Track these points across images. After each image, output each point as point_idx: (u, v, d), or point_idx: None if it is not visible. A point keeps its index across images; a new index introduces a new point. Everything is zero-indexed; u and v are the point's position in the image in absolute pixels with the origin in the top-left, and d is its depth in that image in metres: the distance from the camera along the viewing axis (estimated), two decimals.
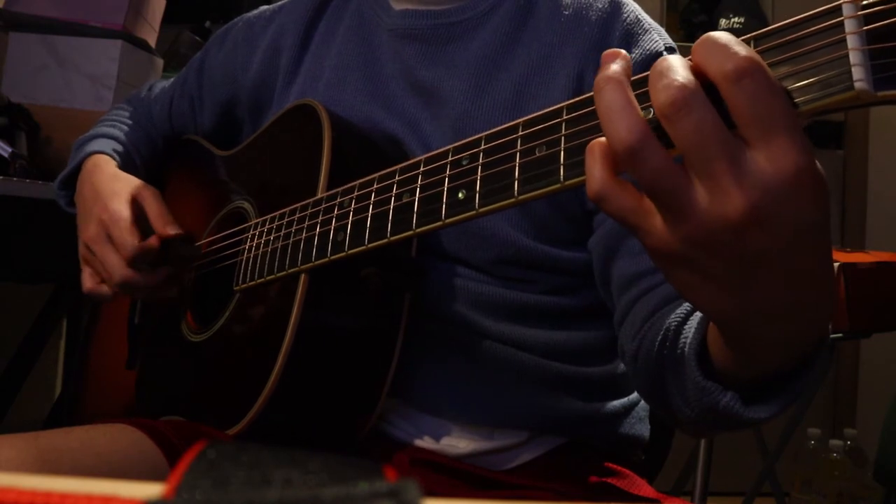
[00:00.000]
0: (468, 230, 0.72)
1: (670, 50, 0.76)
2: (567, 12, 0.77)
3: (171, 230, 0.82)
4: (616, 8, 0.76)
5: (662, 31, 0.78)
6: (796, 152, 0.36)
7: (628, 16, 0.76)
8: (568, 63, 0.74)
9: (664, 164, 0.37)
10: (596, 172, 0.40)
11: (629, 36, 0.75)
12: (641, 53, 0.73)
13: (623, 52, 0.41)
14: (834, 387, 2.65)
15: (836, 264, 1.60)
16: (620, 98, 0.39)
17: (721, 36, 0.37)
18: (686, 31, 2.82)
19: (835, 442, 2.04)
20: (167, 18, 1.65)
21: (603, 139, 0.40)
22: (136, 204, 0.83)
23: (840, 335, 1.59)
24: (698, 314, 0.55)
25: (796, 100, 0.37)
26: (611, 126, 0.38)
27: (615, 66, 0.40)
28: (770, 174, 0.36)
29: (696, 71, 0.38)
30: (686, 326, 0.55)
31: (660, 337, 0.59)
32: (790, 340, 0.45)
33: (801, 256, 0.39)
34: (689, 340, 0.53)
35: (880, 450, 1.56)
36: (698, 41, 0.38)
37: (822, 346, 0.47)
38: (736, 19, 2.70)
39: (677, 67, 0.37)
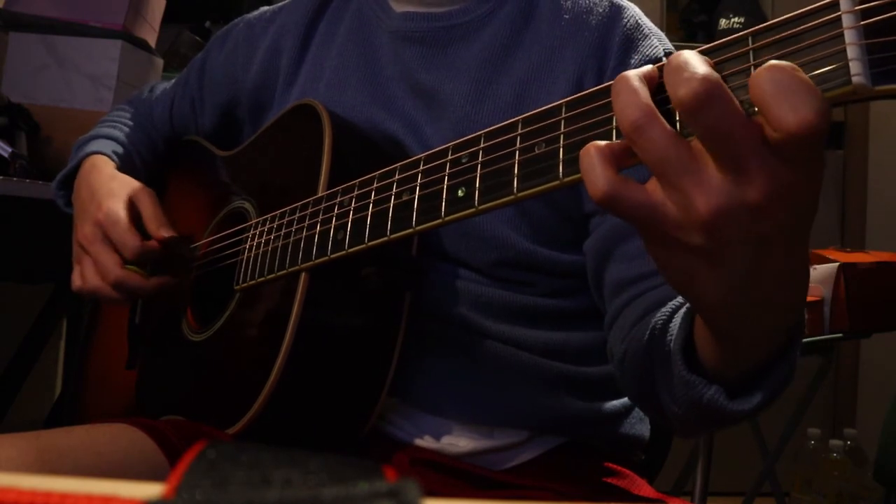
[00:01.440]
0: (468, 232, 0.73)
1: (669, 55, 0.76)
2: (567, 16, 0.77)
3: (165, 232, 0.81)
4: (616, 12, 0.76)
5: (662, 35, 0.78)
6: (822, 161, 0.38)
7: (628, 21, 0.76)
8: (568, 67, 0.74)
9: (673, 140, 0.38)
10: (599, 172, 0.40)
11: (629, 41, 0.75)
12: (640, 59, 0.74)
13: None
14: (834, 387, 2.65)
15: (836, 264, 1.60)
16: (631, 82, 0.39)
17: (794, 74, 0.36)
18: (686, 31, 2.82)
19: (835, 442, 2.04)
20: (167, 18, 1.65)
21: (597, 143, 0.40)
22: (132, 205, 0.83)
23: (840, 335, 1.59)
24: (683, 311, 0.55)
25: None
26: (620, 105, 0.39)
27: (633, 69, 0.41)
28: (794, 173, 0.37)
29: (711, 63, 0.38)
30: (671, 324, 0.56)
31: (646, 336, 0.60)
32: (776, 326, 0.47)
33: (796, 240, 0.41)
34: (674, 336, 0.53)
35: (880, 450, 1.56)
36: (763, 70, 0.36)
37: (798, 336, 0.49)
38: (736, 19, 2.70)
39: (696, 61, 0.38)
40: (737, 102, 0.37)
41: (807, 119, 0.35)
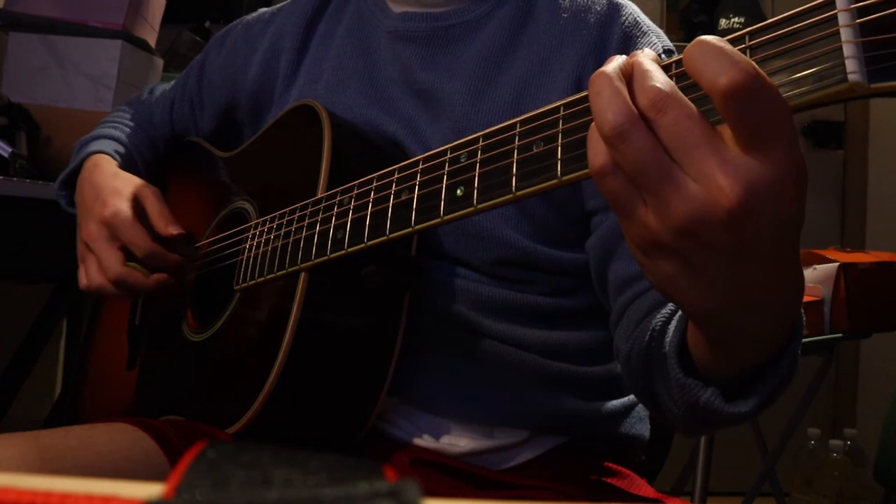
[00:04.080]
0: (467, 231, 0.73)
1: (668, 53, 0.76)
2: (566, 15, 0.77)
3: (174, 230, 0.81)
4: (614, 10, 0.76)
5: (661, 33, 0.78)
6: (791, 150, 0.37)
7: (627, 18, 0.76)
8: (567, 66, 0.74)
9: (649, 148, 0.38)
10: (601, 146, 0.40)
11: (627, 39, 0.75)
12: None
13: (623, 57, 0.42)
14: (834, 387, 2.65)
15: (836, 264, 1.60)
16: (609, 86, 0.39)
17: (716, 46, 0.37)
18: (686, 31, 2.82)
19: (835, 442, 2.04)
20: (167, 18, 1.65)
21: None
22: (136, 203, 0.83)
23: (840, 335, 1.59)
24: (680, 313, 0.55)
25: (790, 93, 0.38)
26: (598, 110, 0.39)
27: (610, 64, 0.41)
28: (762, 168, 0.37)
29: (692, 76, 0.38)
30: (669, 326, 0.56)
31: (647, 337, 0.60)
32: (767, 332, 0.46)
33: (780, 247, 0.40)
34: (670, 339, 0.53)
35: (880, 450, 1.56)
36: (692, 48, 0.38)
37: (795, 337, 0.48)
38: (736, 19, 2.70)
39: (655, 70, 0.39)
40: (694, 111, 0.38)
41: (733, 77, 0.35)
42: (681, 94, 0.38)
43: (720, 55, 0.36)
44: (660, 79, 0.38)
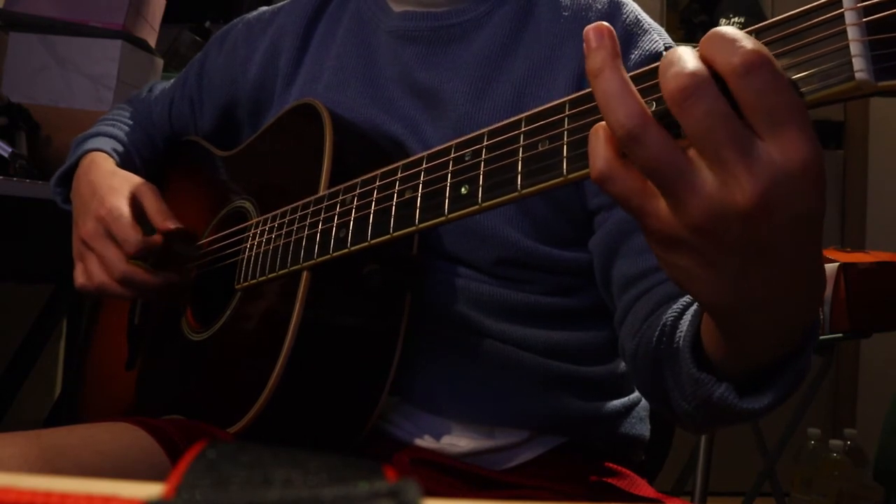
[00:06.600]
0: (469, 230, 0.73)
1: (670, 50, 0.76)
2: (567, 13, 0.77)
3: (171, 224, 0.81)
4: (615, 8, 0.76)
5: (662, 30, 0.78)
6: (805, 143, 0.36)
7: (627, 16, 0.76)
8: (568, 64, 0.74)
9: (666, 149, 0.38)
10: (600, 152, 0.40)
11: (629, 36, 0.75)
12: (641, 54, 0.74)
13: (606, 24, 0.41)
14: (834, 387, 2.65)
15: (836, 264, 1.60)
16: (617, 83, 0.39)
17: (728, 30, 0.37)
18: (686, 30, 2.82)
19: (835, 442, 2.04)
20: (167, 18, 1.65)
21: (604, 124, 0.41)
22: (134, 200, 0.83)
23: (840, 335, 1.59)
24: (693, 308, 0.55)
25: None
26: (609, 112, 0.39)
27: (604, 51, 0.40)
28: (780, 163, 0.36)
29: (705, 63, 0.38)
30: (682, 321, 0.56)
31: (657, 332, 0.59)
32: (783, 330, 0.46)
33: (799, 245, 0.40)
34: (683, 334, 0.53)
35: (880, 450, 1.56)
36: (705, 36, 0.38)
37: (812, 336, 0.48)
38: (736, 19, 2.70)
39: (687, 57, 0.38)
40: (726, 102, 0.37)
41: (746, 55, 0.36)
42: (714, 82, 0.37)
43: (735, 38, 0.37)
44: (694, 63, 0.37)
